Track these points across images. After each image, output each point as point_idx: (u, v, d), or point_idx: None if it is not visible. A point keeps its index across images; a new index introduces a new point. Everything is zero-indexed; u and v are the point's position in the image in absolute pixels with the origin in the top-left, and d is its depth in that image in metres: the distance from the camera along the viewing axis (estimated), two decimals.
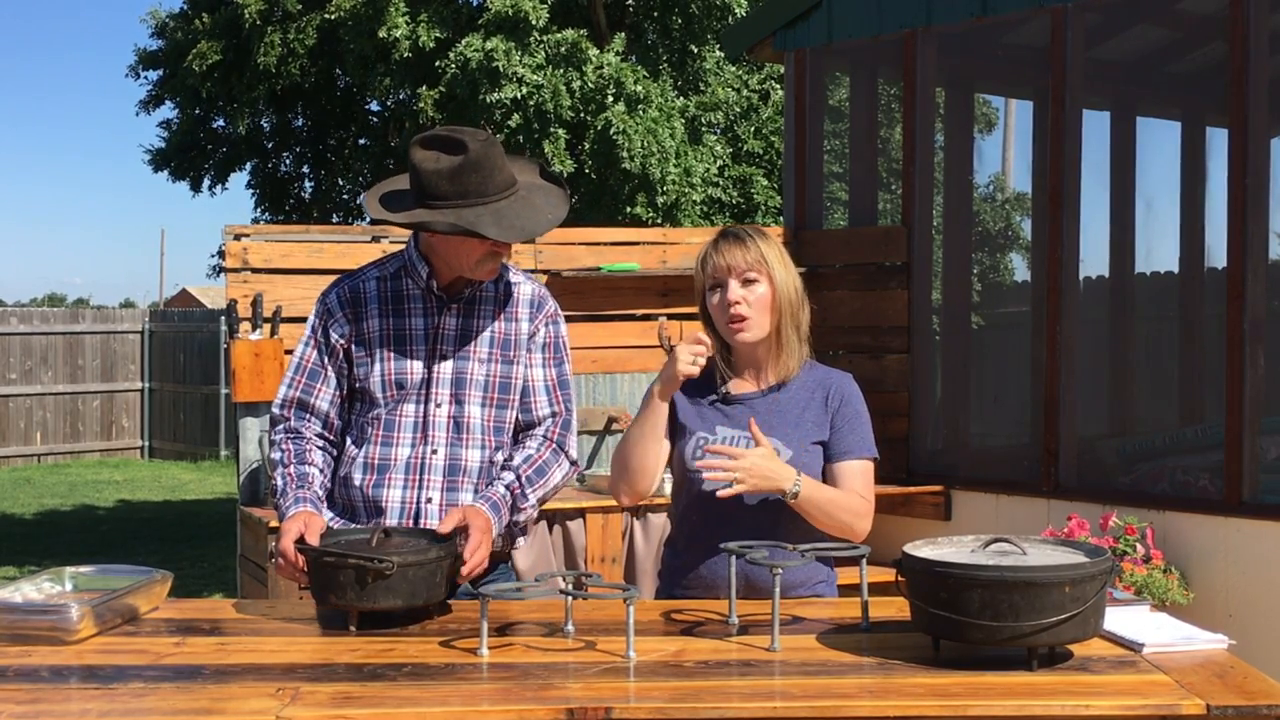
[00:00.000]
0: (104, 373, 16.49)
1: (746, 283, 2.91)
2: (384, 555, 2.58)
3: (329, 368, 2.98)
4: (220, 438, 15.91)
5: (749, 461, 2.77)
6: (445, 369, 2.94)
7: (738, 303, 2.90)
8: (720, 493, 2.76)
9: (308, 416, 2.98)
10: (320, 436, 2.99)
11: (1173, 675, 2.29)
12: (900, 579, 2.46)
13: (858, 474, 2.94)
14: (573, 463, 3.05)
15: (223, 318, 11.37)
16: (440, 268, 2.95)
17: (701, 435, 2.93)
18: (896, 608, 2.66)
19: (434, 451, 2.94)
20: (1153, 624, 2.58)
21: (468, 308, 2.98)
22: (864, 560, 2.67)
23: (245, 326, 5.70)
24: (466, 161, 2.80)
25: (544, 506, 5.53)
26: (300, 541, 2.71)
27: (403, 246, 3.05)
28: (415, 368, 2.93)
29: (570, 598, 2.59)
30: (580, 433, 6.31)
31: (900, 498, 6.24)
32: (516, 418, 3.02)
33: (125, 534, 10.92)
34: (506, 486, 2.91)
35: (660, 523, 5.68)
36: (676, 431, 2.97)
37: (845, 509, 2.88)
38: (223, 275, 9.56)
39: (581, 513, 5.73)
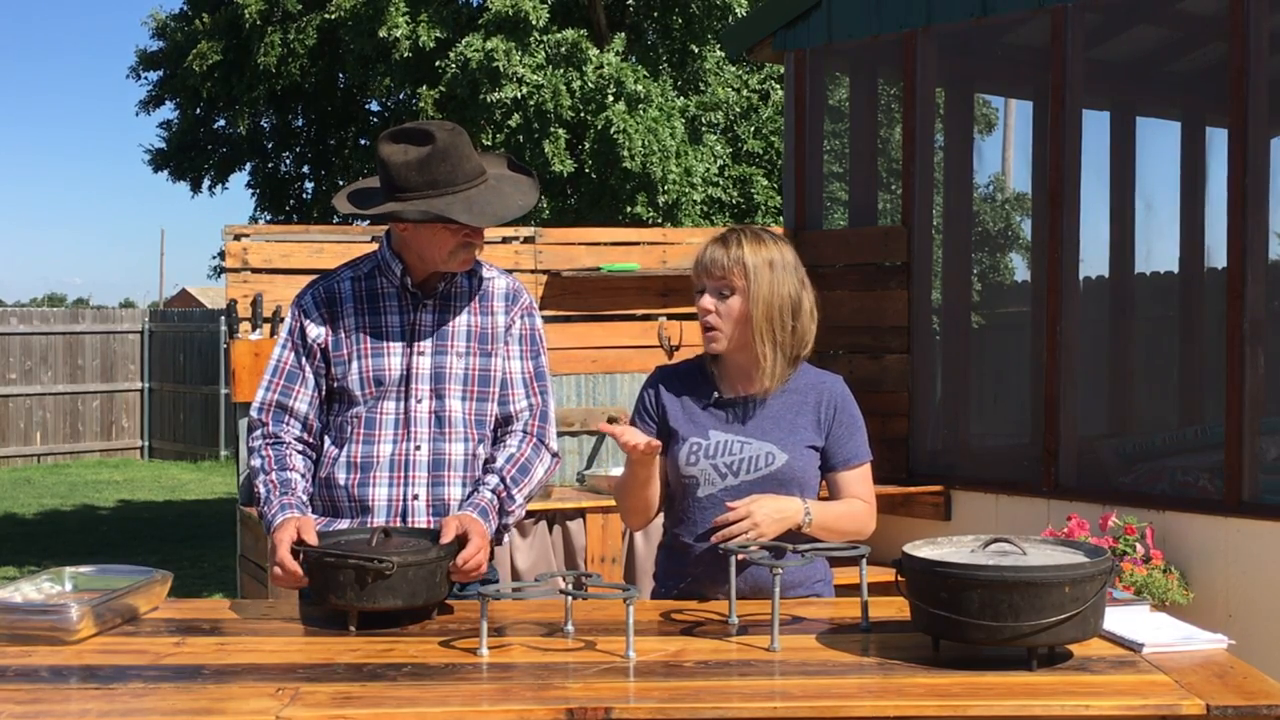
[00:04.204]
0: (104, 373, 16.48)
1: (721, 294, 2.88)
2: (384, 555, 2.59)
3: (307, 369, 2.97)
4: (220, 438, 15.91)
5: (760, 513, 2.76)
6: (424, 364, 2.94)
7: (708, 311, 2.88)
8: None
9: (286, 419, 2.97)
10: (300, 440, 2.98)
11: (1172, 675, 2.29)
12: (900, 579, 2.46)
13: (860, 479, 2.96)
14: (554, 455, 3.04)
15: (223, 318, 11.37)
16: (414, 263, 2.95)
17: (695, 440, 2.92)
18: (896, 608, 2.66)
19: (417, 447, 2.93)
20: (1152, 624, 2.59)
21: (443, 303, 2.98)
22: (864, 560, 2.67)
23: (245, 326, 5.70)
24: (434, 151, 2.81)
25: (543, 507, 5.60)
26: (299, 542, 2.71)
27: None
28: (393, 364, 2.93)
29: (570, 598, 2.59)
30: (580, 433, 6.33)
31: (900, 498, 6.23)
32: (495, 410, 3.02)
33: (125, 534, 10.92)
34: (492, 490, 2.91)
35: (660, 522, 5.68)
36: (669, 437, 2.96)
37: (852, 519, 2.92)
38: (223, 275, 9.56)
39: (581, 513, 5.73)
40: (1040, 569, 2.32)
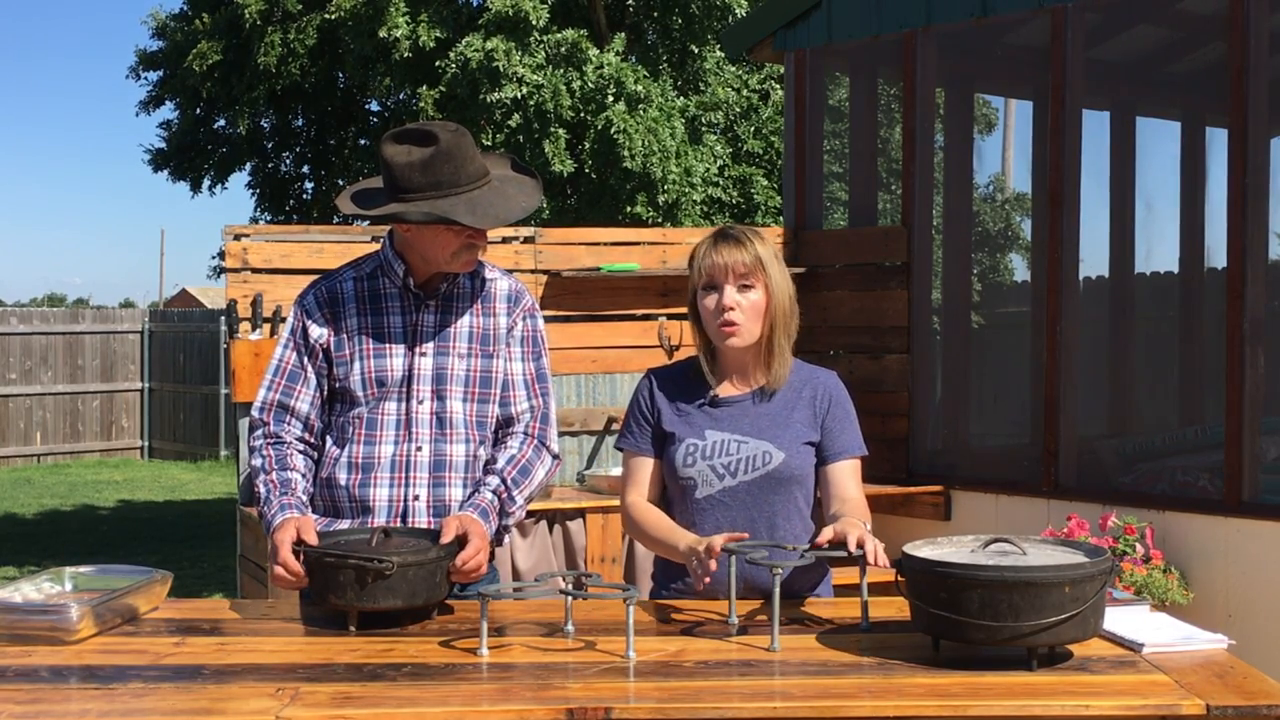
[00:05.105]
0: (104, 373, 16.49)
1: (742, 288, 2.87)
2: (384, 555, 2.59)
3: (309, 369, 2.97)
4: (220, 438, 15.92)
5: (860, 533, 2.65)
6: (425, 365, 2.94)
7: (732, 308, 2.86)
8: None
9: (288, 419, 2.97)
10: (301, 440, 2.98)
11: (1172, 675, 2.29)
12: (900, 579, 2.46)
13: (852, 473, 2.95)
14: (555, 457, 3.04)
15: (223, 318, 11.37)
16: (417, 264, 2.95)
17: (691, 441, 2.91)
18: (896, 608, 2.66)
19: (419, 448, 2.93)
20: (1152, 624, 2.59)
21: (445, 304, 2.98)
22: (864, 560, 2.66)
23: (245, 326, 5.70)
24: (438, 152, 2.81)
25: (544, 507, 5.60)
26: (299, 542, 2.71)
27: None
28: (395, 365, 2.93)
29: (570, 598, 2.59)
30: (580, 433, 6.33)
31: (900, 498, 6.23)
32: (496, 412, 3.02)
33: (125, 534, 10.92)
34: (493, 491, 2.91)
35: None
36: (665, 439, 2.95)
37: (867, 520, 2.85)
38: (223, 275, 9.56)
39: (581, 513, 5.73)
40: (1040, 569, 2.32)
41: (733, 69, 12.18)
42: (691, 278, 2.94)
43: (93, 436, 16.49)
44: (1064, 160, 5.94)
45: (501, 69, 10.73)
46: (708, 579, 2.69)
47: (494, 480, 2.92)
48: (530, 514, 5.46)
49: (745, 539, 2.71)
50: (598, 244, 6.48)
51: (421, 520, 2.91)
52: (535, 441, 3.01)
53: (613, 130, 10.78)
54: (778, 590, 2.48)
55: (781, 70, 9.02)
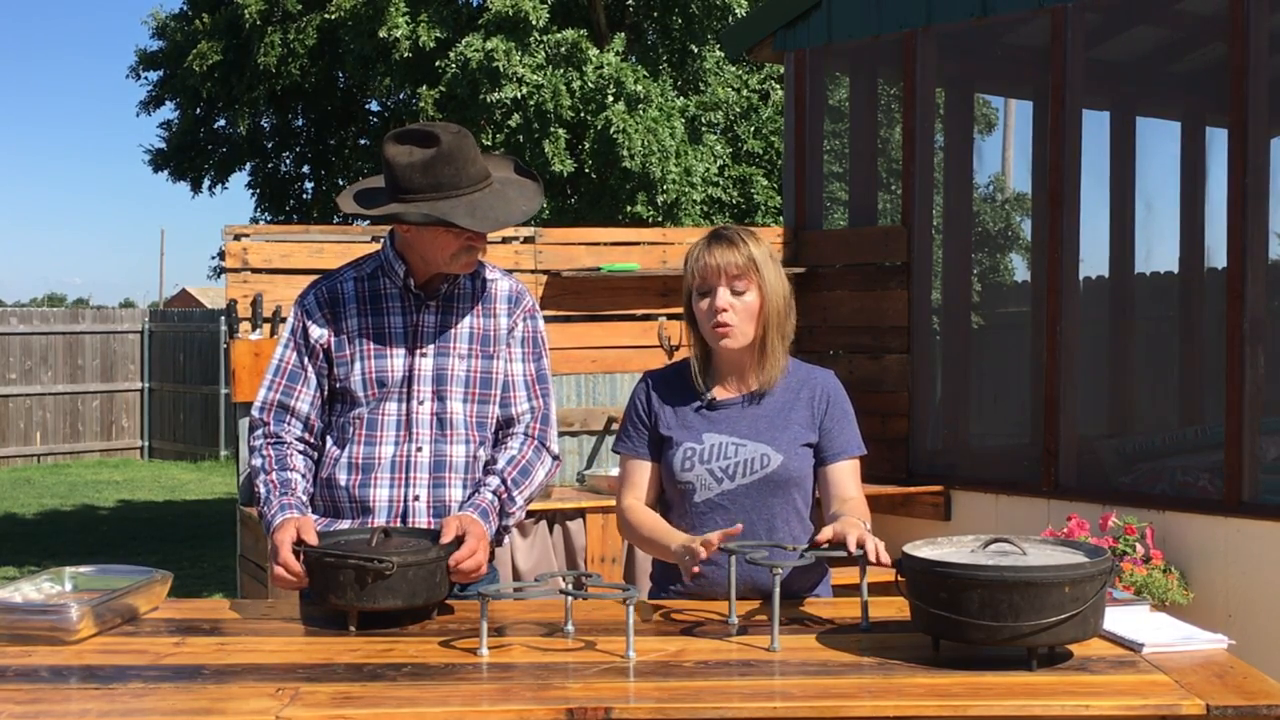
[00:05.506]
0: (104, 373, 16.48)
1: (736, 290, 2.86)
2: (384, 555, 2.59)
3: (309, 369, 2.97)
4: (220, 438, 15.91)
5: (860, 532, 2.66)
6: (426, 366, 2.94)
7: (724, 310, 2.85)
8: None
9: (288, 419, 2.97)
10: (301, 440, 2.98)
11: (1172, 675, 2.29)
12: (900, 579, 2.46)
13: (852, 473, 2.94)
14: (555, 458, 3.04)
15: (223, 318, 11.38)
16: (417, 264, 2.95)
17: (689, 445, 2.90)
18: (896, 608, 2.66)
19: (419, 449, 2.93)
20: (1152, 624, 2.59)
21: (446, 305, 2.98)
22: (864, 560, 2.66)
23: (245, 326, 5.70)
24: (439, 154, 2.81)
25: (544, 507, 5.60)
26: (299, 543, 2.71)
27: None
28: (396, 365, 2.93)
29: (570, 598, 2.59)
30: (580, 433, 6.33)
31: (900, 498, 6.23)
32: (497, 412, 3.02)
33: (125, 534, 10.92)
34: (493, 492, 2.90)
35: None
36: (662, 443, 2.95)
37: (867, 520, 2.84)
38: (223, 275, 9.57)
39: (581, 513, 5.73)
40: (1040, 569, 2.32)
41: (733, 69, 12.18)
42: (685, 280, 2.93)
43: (93, 436, 16.49)
44: (1064, 160, 5.94)
45: (501, 69, 10.73)
46: (696, 568, 2.69)
47: (494, 481, 2.92)
48: (530, 514, 5.46)
49: (739, 532, 2.70)
50: (598, 244, 6.48)
51: (421, 521, 2.92)
52: (535, 442, 3.01)
53: (612, 130, 10.78)
54: (778, 590, 2.48)
55: (781, 70, 9.02)
